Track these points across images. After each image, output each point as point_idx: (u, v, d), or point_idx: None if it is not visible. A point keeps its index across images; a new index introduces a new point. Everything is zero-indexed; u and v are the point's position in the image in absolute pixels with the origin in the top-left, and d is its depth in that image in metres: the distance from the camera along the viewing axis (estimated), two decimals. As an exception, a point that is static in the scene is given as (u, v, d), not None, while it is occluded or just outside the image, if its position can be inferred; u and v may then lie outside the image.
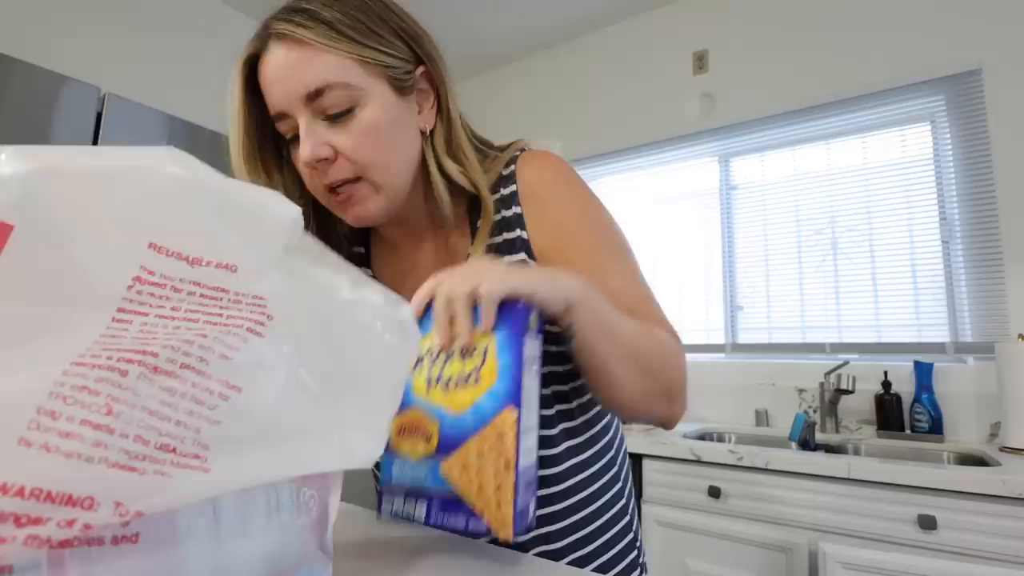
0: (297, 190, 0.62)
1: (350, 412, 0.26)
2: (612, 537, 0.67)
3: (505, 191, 0.62)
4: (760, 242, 2.16)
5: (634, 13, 2.51)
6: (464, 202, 0.64)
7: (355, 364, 0.27)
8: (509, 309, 0.45)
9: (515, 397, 0.43)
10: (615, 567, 0.66)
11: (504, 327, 0.44)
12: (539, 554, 0.60)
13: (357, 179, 0.56)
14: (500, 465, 0.42)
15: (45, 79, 1.50)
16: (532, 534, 0.61)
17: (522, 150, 0.65)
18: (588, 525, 0.64)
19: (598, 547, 0.65)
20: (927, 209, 1.86)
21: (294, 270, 0.26)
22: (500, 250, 0.62)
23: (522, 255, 0.61)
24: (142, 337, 0.21)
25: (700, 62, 2.32)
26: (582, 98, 2.62)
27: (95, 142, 1.60)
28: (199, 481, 0.20)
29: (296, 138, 0.56)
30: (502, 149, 0.67)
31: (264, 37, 0.55)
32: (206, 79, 2.36)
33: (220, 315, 0.23)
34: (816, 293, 2.02)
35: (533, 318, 0.46)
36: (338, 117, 0.54)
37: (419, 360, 0.45)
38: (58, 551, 0.17)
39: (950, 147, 1.83)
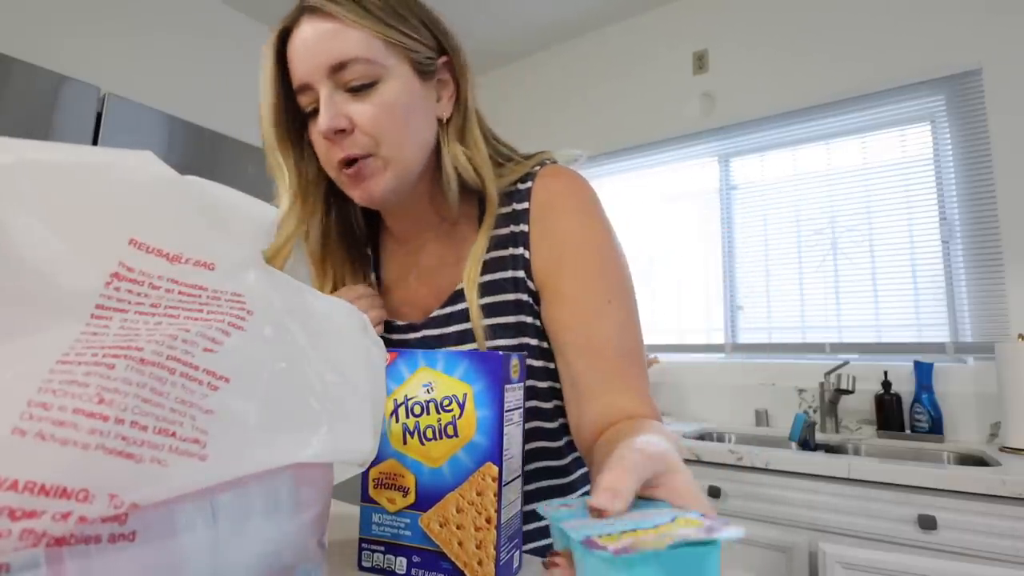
0: (317, 171, 0.63)
1: (338, 404, 0.26)
2: None
3: (518, 206, 0.62)
4: (760, 242, 2.16)
5: (634, 13, 2.51)
6: (475, 200, 0.65)
7: (336, 358, 0.27)
8: (488, 358, 0.42)
9: (495, 453, 0.41)
10: None
11: (481, 379, 0.42)
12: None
13: (368, 155, 0.57)
14: (481, 521, 0.41)
15: (45, 79, 1.50)
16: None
17: (544, 164, 0.64)
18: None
19: None
20: (927, 209, 1.86)
21: (268, 269, 0.27)
22: (503, 264, 0.62)
23: (521, 273, 0.61)
24: (124, 334, 0.21)
25: (700, 62, 2.32)
26: (582, 98, 2.62)
27: (95, 142, 1.60)
28: (195, 470, 0.20)
29: (316, 112, 0.57)
30: (527, 157, 0.67)
31: (297, 12, 0.57)
32: (206, 79, 2.38)
33: (200, 311, 0.23)
34: (816, 293, 2.02)
35: (515, 365, 0.45)
36: (359, 90, 0.56)
37: (395, 410, 0.44)
38: (56, 549, 0.17)
39: (950, 147, 1.83)
